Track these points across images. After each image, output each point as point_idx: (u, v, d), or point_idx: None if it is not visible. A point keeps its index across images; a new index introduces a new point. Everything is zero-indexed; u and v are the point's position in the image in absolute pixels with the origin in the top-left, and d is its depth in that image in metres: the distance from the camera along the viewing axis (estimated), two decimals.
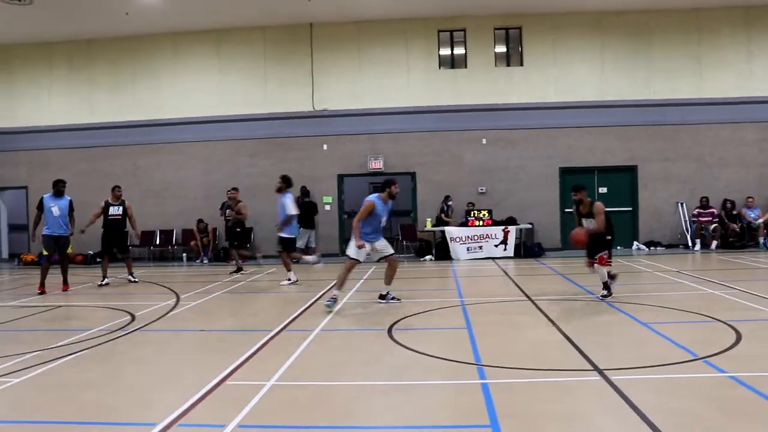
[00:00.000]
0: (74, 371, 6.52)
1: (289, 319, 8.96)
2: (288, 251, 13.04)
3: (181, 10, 18.16)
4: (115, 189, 14.06)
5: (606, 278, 9.91)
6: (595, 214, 9.83)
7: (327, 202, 19.27)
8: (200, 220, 18.85)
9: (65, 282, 12.90)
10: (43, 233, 12.60)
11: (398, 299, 10.15)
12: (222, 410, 5.10)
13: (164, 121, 19.84)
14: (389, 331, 7.93)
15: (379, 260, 10.21)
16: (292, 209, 12.74)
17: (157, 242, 19.55)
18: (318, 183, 19.27)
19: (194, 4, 17.84)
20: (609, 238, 9.89)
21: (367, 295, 11.39)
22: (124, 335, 8.20)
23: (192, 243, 18.90)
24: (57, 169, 19.31)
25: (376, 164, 18.99)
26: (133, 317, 9.41)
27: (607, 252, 9.83)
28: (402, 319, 8.69)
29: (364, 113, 19.12)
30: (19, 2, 16.59)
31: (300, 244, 18.29)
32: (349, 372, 6.24)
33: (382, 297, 10.21)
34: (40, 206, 12.63)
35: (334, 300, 9.67)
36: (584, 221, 10.07)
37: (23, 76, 20.68)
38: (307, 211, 18.13)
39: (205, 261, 18.60)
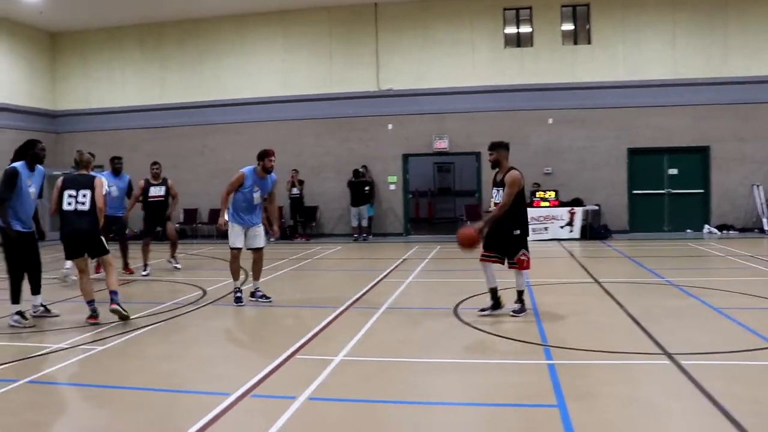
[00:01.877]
0: (151, 342, 6.84)
1: (357, 296, 9.11)
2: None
3: None
4: (153, 166, 12.50)
5: (523, 287, 7.75)
6: (506, 185, 7.44)
7: (392, 182, 19.35)
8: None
9: (126, 266, 12.02)
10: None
11: (269, 297, 8.89)
12: (292, 383, 5.27)
13: (231, 102, 20.20)
14: (455, 310, 8.00)
15: (248, 249, 8.86)
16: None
17: None
18: (382, 163, 19.36)
19: None
20: (517, 232, 7.51)
21: (432, 275, 11.47)
22: (196, 309, 8.50)
23: None
24: (129, 149, 19.91)
25: (441, 144, 18.95)
26: (205, 292, 9.72)
27: (525, 252, 7.56)
28: (468, 298, 8.72)
29: (428, 93, 19.06)
30: None
31: (353, 223, 18.55)
32: (415, 349, 6.34)
33: (252, 294, 8.95)
34: None
35: (239, 292, 8.71)
36: (494, 192, 7.74)
37: (98, 60, 21.34)
38: (357, 189, 18.41)
39: (271, 239, 18.89)
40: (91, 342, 6.73)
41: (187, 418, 4.49)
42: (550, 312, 7.85)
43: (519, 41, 19.09)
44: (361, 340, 6.62)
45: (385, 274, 11.37)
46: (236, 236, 8.75)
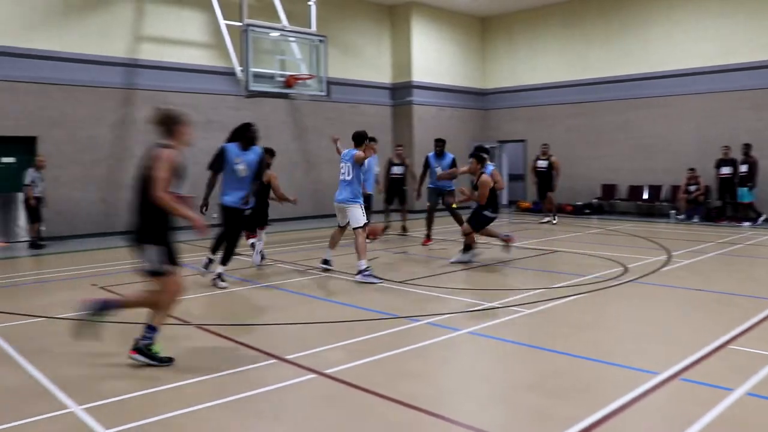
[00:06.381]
0: (573, 311, 7.06)
1: None
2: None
3: None
4: (397, 148, 14.67)
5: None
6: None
7: None
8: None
9: (427, 236, 12.99)
10: (429, 185, 13.13)
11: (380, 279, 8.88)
12: (726, 374, 4.92)
13: (657, 74, 19.23)
14: None
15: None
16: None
17: (645, 197, 19.31)
18: None
19: None
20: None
21: None
22: (617, 285, 8.43)
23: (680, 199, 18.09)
24: (550, 124, 20.63)
25: None
26: (626, 269, 9.57)
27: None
28: None
29: None
30: None
31: None
32: None
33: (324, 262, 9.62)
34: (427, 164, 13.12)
35: (368, 270, 8.76)
36: None
37: (522, 39, 22.36)
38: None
39: (696, 219, 17.67)
40: (518, 305, 7.20)
41: (614, 389, 4.54)
42: None
43: None
44: None
45: None
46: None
